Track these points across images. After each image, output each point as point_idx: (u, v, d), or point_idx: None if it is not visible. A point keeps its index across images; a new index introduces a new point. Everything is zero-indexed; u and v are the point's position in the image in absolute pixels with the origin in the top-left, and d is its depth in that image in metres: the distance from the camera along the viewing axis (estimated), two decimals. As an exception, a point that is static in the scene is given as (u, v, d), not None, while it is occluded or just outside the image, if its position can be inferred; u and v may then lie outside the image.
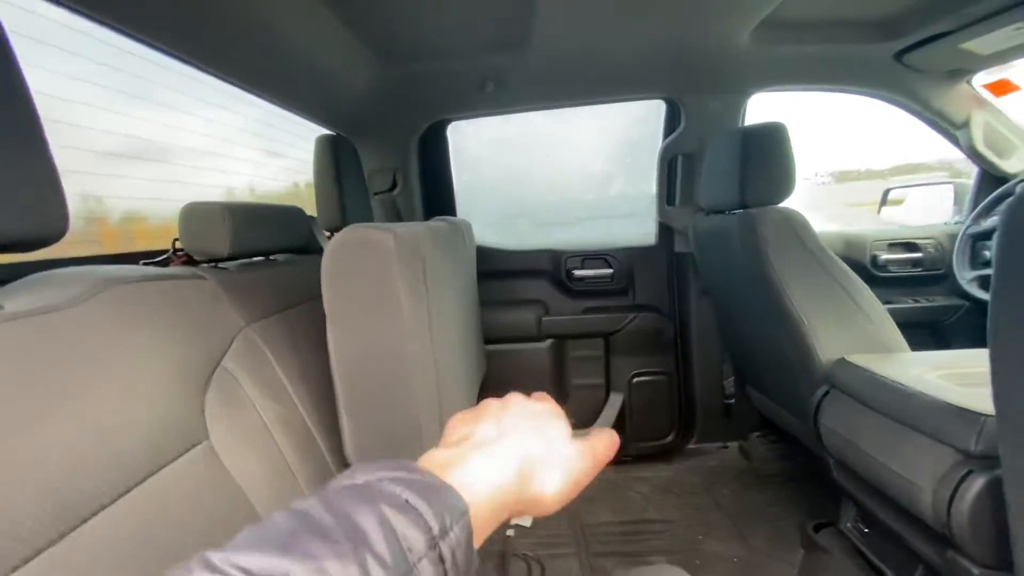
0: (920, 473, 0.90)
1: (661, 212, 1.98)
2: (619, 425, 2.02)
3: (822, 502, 1.53)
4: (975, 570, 0.85)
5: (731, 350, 1.92)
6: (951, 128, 1.72)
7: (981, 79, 1.67)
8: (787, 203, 1.37)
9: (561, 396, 2.05)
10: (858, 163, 3.35)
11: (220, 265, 0.89)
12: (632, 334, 2.00)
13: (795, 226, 1.31)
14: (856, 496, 1.19)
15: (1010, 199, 0.58)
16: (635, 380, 2.03)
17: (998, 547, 0.82)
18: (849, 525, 1.28)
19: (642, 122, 1.94)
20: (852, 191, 3.29)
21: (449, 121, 1.88)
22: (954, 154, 1.82)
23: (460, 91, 1.69)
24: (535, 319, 1.98)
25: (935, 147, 1.89)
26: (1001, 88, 1.66)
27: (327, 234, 1.44)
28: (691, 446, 2.04)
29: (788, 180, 1.34)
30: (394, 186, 1.86)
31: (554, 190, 2.15)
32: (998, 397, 0.71)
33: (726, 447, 2.02)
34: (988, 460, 0.83)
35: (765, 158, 1.35)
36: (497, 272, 1.99)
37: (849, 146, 3.22)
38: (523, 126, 2.02)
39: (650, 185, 1.97)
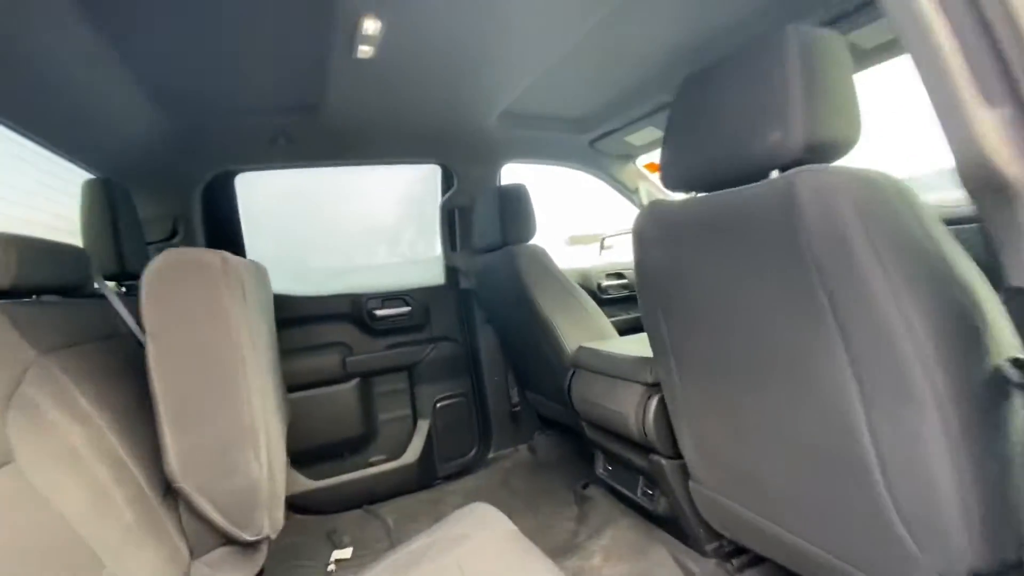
0: (627, 405, 1.35)
1: (446, 256, 2.33)
2: (427, 450, 2.20)
3: (587, 467, 1.98)
4: (663, 461, 1.32)
5: (512, 364, 2.32)
6: (629, 191, 2.53)
7: (642, 160, 2.53)
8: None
9: (371, 431, 2.14)
10: (585, 228, 4.42)
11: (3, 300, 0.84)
12: (432, 363, 2.25)
13: (542, 256, 1.79)
14: (601, 444, 1.63)
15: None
16: (439, 405, 2.26)
17: (672, 441, 1.29)
18: (600, 470, 1.72)
19: (424, 181, 2.30)
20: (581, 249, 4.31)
21: (237, 172, 1.92)
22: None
23: (249, 145, 1.78)
24: (339, 360, 2.07)
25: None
26: (652, 168, 2.55)
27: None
28: (490, 455, 2.34)
29: (532, 223, 1.84)
30: (174, 234, 1.78)
31: (349, 241, 2.32)
32: (652, 346, 1.18)
33: (517, 449, 2.38)
34: (657, 387, 1.32)
35: (515, 208, 1.83)
36: (297, 319, 2.03)
37: (580, 215, 4.24)
38: (317, 180, 2.17)
39: (435, 233, 2.32)
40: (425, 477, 2.18)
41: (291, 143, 1.79)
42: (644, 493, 1.50)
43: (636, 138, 2.21)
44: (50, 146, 1.41)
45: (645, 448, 1.36)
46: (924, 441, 0.65)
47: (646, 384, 1.33)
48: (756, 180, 0.83)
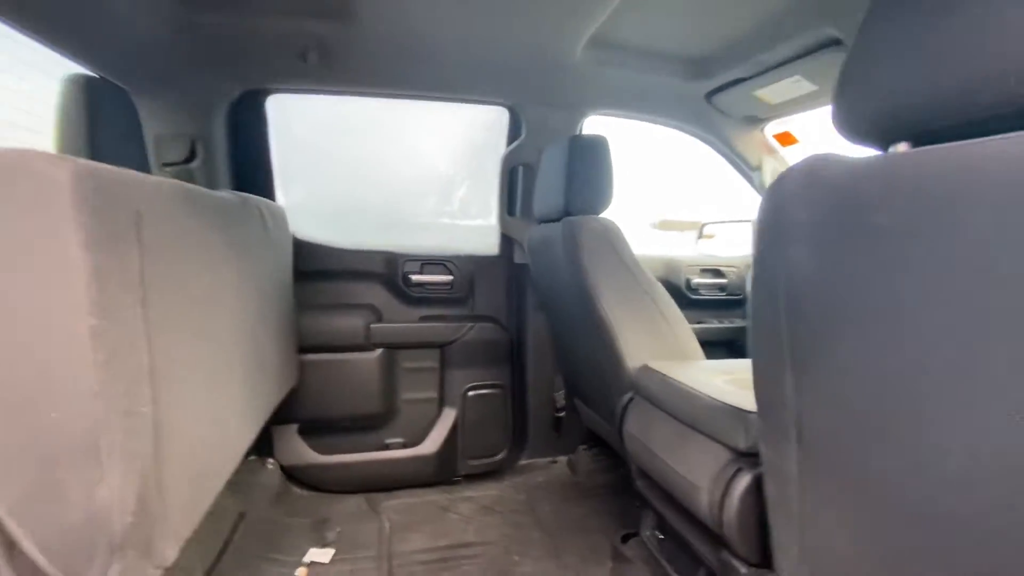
0: (699, 473, 0.90)
1: (502, 222, 1.94)
2: (451, 443, 1.89)
3: (635, 512, 1.55)
4: (743, 569, 0.87)
5: (562, 363, 1.92)
6: (748, 169, 1.95)
7: (772, 129, 1.93)
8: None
9: (390, 411, 1.87)
10: (681, 213, 3.77)
11: None
12: (469, 345, 1.91)
13: (611, 236, 1.34)
14: (653, 502, 1.20)
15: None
16: (470, 393, 1.93)
17: (761, 544, 0.84)
18: (648, 533, 1.29)
19: (488, 128, 1.90)
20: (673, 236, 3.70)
21: (268, 92, 1.65)
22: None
23: (278, 59, 1.48)
24: (364, 326, 1.79)
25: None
26: (785, 139, 1.94)
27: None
28: (522, 462, 1.99)
29: (607, 190, 1.38)
30: (192, 157, 1.56)
31: (393, 190, 2.00)
32: (757, 394, 0.72)
33: (555, 462, 2.00)
34: (754, 457, 0.86)
35: (588, 168, 1.37)
36: (321, 272, 1.77)
37: (677, 198, 3.62)
38: (361, 115, 1.85)
39: (493, 193, 1.93)
40: (443, 472, 1.88)
41: (325, 60, 1.47)
42: (704, 594, 1.05)
43: (772, 93, 1.63)
44: (45, 40, 1.19)
45: (717, 539, 0.91)
46: None
47: (735, 450, 0.87)
48: None
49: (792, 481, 0.69)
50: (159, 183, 0.76)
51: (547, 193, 1.50)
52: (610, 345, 1.28)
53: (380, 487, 1.80)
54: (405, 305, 1.88)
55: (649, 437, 1.10)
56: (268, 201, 1.44)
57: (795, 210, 0.57)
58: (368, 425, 1.86)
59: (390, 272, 1.84)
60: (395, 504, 1.71)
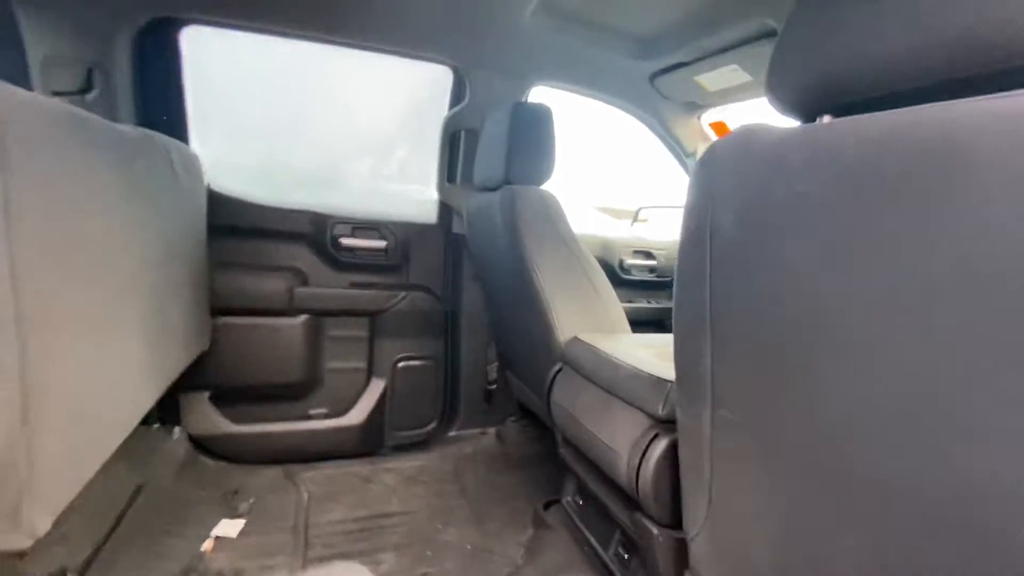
0: (619, 440, 0.93)
1: (441, 189, 1.88)
2: (378, 414, 1.85)
3: (559, 480, 1.60)
4: (654, 530, 0.91)
5: (495, 335, 1.92)
6: (683, 154, 2.01)
7: (709, 118, 2.00)
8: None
9: (314, 380, 1.79)
10: (618, 203, 3.86)
11: None
12: (401, 315, 1.86)
13: (550, 208, 1.33)
14: (575, 469, 1.23)
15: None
16: (400, 365, 1.89)
17: (673, 506, 0.88)
18: (569, 499, 1.33)
19: (432, 86, 1.81)
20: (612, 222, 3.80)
21: (183, 23, 1.47)
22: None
23: (196, -18, 1.33)
24: (287, 289, 1.68)
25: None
26: (720, 129, 2.01)
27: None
28: (451, 434, 1.98)
29: (549, 161, 1.36)
30: (88, 88, 1.37)
31: (325, 147, 1.88)
32: (677, 364, 0.74)
33: (484, 433, 2.01)
34: (671, 424, 0.89)
35: (530, 137, 1.35)
36: (240, 229, 1.63)
37: (615, 185, 3.70)
38: (293, 60, 1.70)
39: (434, 157, 1.86)
40: (369, 443, 1.84)
41: (252, -8, 1.33)
42: (617, 555, 1.10)
43: (710, 80, 1.68)
44: None
45: (632, 502, 0.95)
46: None
47: (653, 417, 0.90)
48: (984, 90, 0.37)
49: (704, 444, 0.72)
50: (33, 97, 0.65)
51: (488, 161, 1.46)
52: (543, 317, 1.28)
53: (300, 458, 1.72)
54: (334, 270, 1.78)
55: (575, 406, 1.12)
56: (179, 143, 1.30)
57: (725, 179, 0.58)
58: (289, 394, 1.76)
59: (317, 234, 1.73)
60: (315, 475, 1.65)
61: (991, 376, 0.36)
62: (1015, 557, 0.36)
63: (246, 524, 1.36)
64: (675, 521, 0.88)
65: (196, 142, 1.59)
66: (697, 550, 0.79)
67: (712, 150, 0.60)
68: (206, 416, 1.64)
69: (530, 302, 1.32)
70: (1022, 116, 0.34)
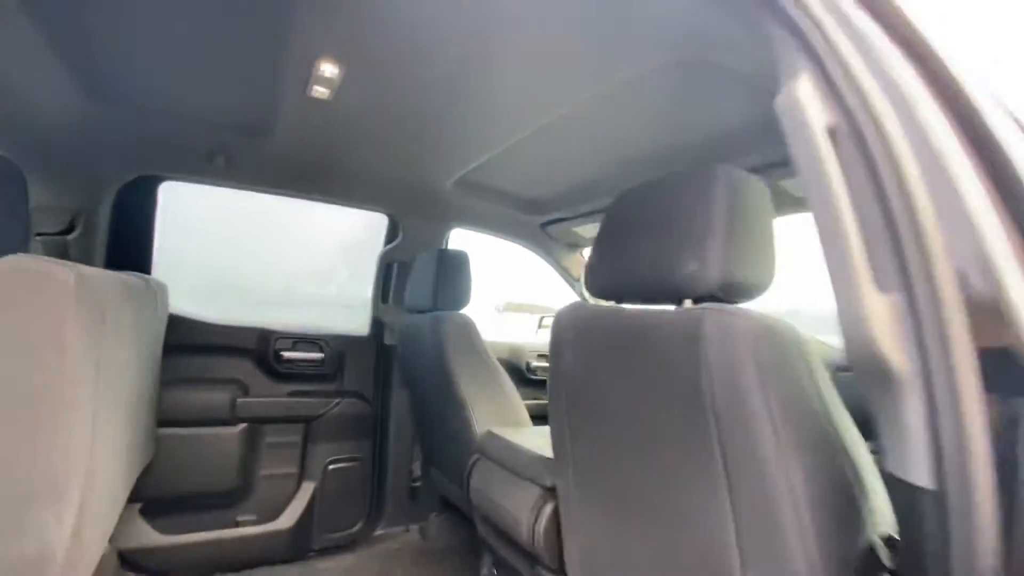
0: (520, 507, 1.26)
1: (375, 307, 2.23)
2: (307, 517, 1.97)
3: (477, 560, 1.81)
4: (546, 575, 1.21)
5: (420, 434, 2.17)
6: (572, 280, 2.56)
7: (588, 253, 2.59)
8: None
9: (246, 487, 1.90)
10: (525, 296, 4.43)
11: None
12: (334, 419, 2.06)
13: (469, 329, 1.73)
14: (489, 542, 1.50)
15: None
16: (331, 467, 2.05)
17: (559, 554, 1.20)
18: (485, 572, 1.57)
19: (368, 228, 2.23)
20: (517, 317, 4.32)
21: (163, 179, 1.78)
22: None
23: (183, 155, 1.67)
24: (229, 400, 1.86)
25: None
26: (597, 260, 2.60)
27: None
28: (377, 532, 2.12)
29: (467, 293, 1.79)
30: (70, 229, 1.60)
31: (274, 270, 2.18)
32: (553, 446, 1.12)
33: (408, 530, 2.17)
34: (555, 492, 1.24)
35: (453, 274, 1.78)
36: (192, 346, 1.83)
37: (521, 281, 4.26)
38: (251, 200, 2.05)
39: (369, 283, 2.22)
40: (297, 548, 1.93)
41: (231, 164, 1.70)
42: (525, 609, 1.36)
43: (584, 230, 2.27)
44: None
45: (532, 557, 1.25)
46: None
47: (543, 488, 1.25)
48: (670, 304, 0.83)
49: (572, 503, 1.08)
50: (122, 284, 0.94)
51: (419, 290, 1.86)
52: (463, 416, 1.62)
53: (229, 567, 1.78)
54: (273, 381, 1.99)
55: (489, 488, 1.43)
56: (159, 281, 1.55)
57: (566, 332, 1.01)
58: (220, 503, 1.85)
59: (261, 348, 1.96)
60: (247, 581, 1.73)
61: (669, 449, 0.78)
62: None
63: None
64: (561, 567, 1.20)
65: (158, 271, 1.82)
66: (578, 587, 1.11)
67: (560, 313, 1.04)
68: (134, 529, 1.67)
69: (453, 404, 1.65)
70: (674, 323, 0.79)
